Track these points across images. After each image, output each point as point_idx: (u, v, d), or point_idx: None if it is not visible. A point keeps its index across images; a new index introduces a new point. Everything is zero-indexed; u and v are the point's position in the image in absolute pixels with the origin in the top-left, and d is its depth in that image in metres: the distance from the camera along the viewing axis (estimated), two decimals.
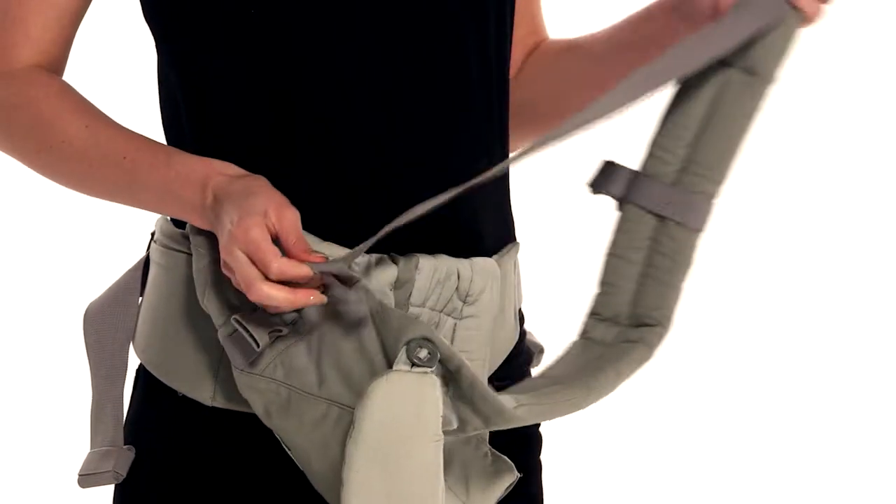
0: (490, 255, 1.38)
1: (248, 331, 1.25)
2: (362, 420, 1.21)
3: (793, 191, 3.46)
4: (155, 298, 1.39)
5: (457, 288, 1.32)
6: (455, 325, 1.33)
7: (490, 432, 1.37)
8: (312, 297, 1.22)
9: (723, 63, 1.31)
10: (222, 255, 1.24)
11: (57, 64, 1.39)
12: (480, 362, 1.35)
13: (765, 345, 3.39)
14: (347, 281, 1.25)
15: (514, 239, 1.44)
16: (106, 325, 1.41)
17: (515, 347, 1.44)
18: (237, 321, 1.26)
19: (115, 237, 2.58)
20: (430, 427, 1.21)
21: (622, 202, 1.36)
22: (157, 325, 1.38)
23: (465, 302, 1.33)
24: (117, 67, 2.93)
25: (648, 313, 1.34)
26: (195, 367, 1.34)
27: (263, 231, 1.22)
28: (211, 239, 1.30)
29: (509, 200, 1.45)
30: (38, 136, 1.35)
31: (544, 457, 1.50)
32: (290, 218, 1.23)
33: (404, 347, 1.21)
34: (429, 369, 1.21)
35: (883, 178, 3.47)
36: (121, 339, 1.40)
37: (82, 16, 1.39)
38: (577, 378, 1.30)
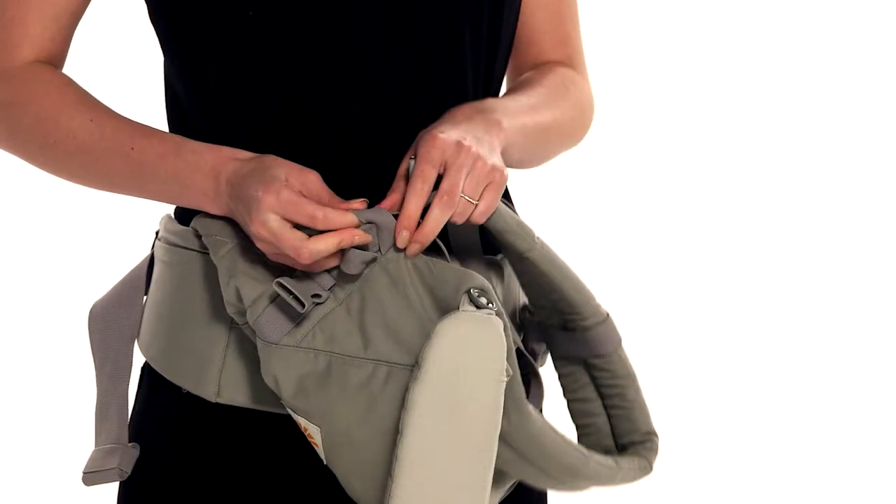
0: (494, 255, 1.39)
1: (292, 293, 1.25)
2: (430, 361, 1.21)
3: (792, 192, 3.47)
4: (160, 296, 1.39)
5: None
6: None
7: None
8: (357, 237, 1.24)
9: (507, 253, 1.35)
10: (255, 230, 1.24)
11: (56, 61, 1.39)
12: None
13: (764, 345, 3.39)
14: (386, 230, 1.26)
15: None
16: (110, 323, 1.41)
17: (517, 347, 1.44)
18: (280, 284, 1.25)
19: (120, 236, 2.59)
20: (497, 366, 1.22)
21: (550, 352, 1.42)
22: (161, 322, 1.38)
23: None
24: (123, 65, 2.94)
25: (630, 438, 1.39)
26: (199, 364, 1.34)
27: (293, 192, 1.23)
28: (230, 224, 1.31)
29: (509, 199, 1.45)
30: (43, 132, 1.35)
31: None
32: (312, 179, 1.25)
33: (465, 293, 1.22)
34: (492, 312, 1.22)
35: (882, 178, 3.48)
36: (125, 337, 1.40)
37: (81, 14, 1.39)
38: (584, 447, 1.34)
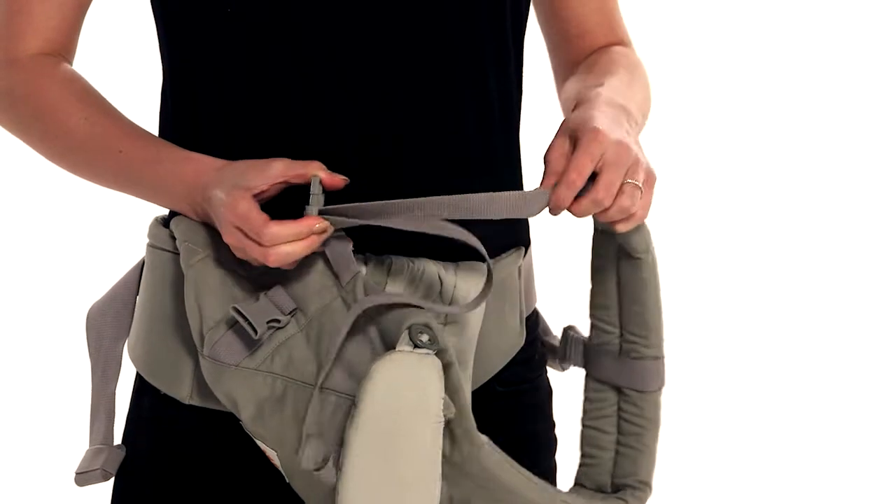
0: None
1: (247, 319, 1.25)
2: (364, 402, 1.20)
3: (792, 192, 3.44)
4: (143, 297, 1.40)
5: (440, 292, 1.32)
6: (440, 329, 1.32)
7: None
8: (317, 235, 1.23)
9: (612, 245, 1.35)
10: (225, 239, 1.25)
11: (64, 52, 1.40)
12: (464, 366, 1.34)
13: (765, 346, 3.38)
14: (343, 261, 1.26)
15: (524, 243, 1.43)
16: (104, 324, 1.42)
17: (522, 352, 1.43)
18: (235, 310, 1.26)
19: (122, 238, 2.61)
20: (431, 408, 1.21)
21: (586, 374, 1.41)
22: (143, 324, 1.39)
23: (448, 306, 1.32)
24: (131, 63, 2.95)
25: (625, 481, 1.38)
26: (174, 365, 1.35)
27: (249, 202, 1.23)
28: (205, 230, 1.31)
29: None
30: (41, 126, 1.37)
31: (560, 458, 1.50)
32: (274, 170, 1.24)
33: (406, 330, 1.21)
34: (431, 351, 1.21)
35: (882, 179, 3.45)
36: (115, 339, 1.41)
37: (87, 4, 1.39)
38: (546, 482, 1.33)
